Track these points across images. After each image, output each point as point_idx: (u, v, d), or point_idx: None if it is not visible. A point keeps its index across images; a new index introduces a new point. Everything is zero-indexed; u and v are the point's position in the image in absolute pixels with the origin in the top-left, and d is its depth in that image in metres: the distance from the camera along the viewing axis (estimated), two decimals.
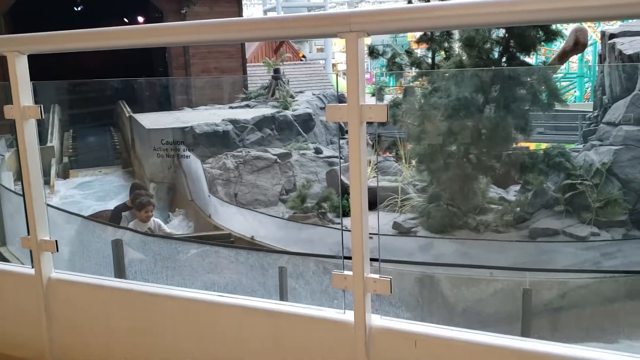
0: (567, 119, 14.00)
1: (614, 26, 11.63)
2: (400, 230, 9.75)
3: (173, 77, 18.86)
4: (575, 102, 24.45)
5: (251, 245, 8.76)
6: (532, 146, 11.79)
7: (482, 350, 1.55)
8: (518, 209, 9.59)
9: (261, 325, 1.83)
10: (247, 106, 16.22)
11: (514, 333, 5.60)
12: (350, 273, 1.64)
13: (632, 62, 9.57)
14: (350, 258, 1.66)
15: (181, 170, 12.48)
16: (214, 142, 13.09)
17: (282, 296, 5.52)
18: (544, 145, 12.28)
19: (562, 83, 28.08)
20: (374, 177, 11.87)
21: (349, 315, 1.67)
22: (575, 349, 1.47)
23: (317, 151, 13.12)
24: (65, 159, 15.24)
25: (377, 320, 1.67)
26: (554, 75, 28.60)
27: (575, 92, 27.43)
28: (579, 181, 8.80)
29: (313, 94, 16.77)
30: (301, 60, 27.57)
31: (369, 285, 1.63)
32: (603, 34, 11.26)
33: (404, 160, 11.74)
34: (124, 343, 2.05)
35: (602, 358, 1.45)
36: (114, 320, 2.06)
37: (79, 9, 21.94)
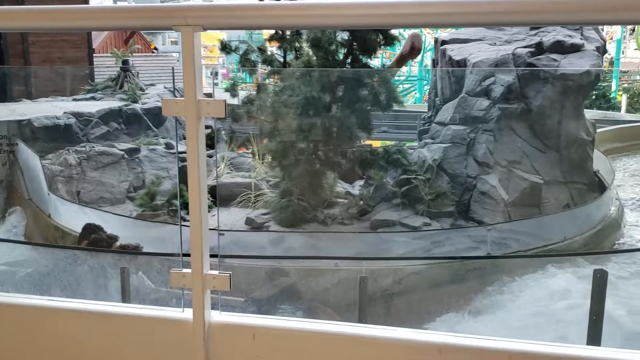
0: (407, 118, 15.08)
1: (446, 33, 12.75)
2: (253, 226, 9.88)
3: (9, 66, 17.28)
4: (415, 103, 26.31)
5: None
6: (377, 144, 12.57)
7: (320, 338, 1.62)
8: (361, 202, 10.17)
9: (97, 329, 1.77)
10: (93, 99, 15.38)
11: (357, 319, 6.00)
12: (189, 270, 1.62)
13: (460, 67, 10.58)
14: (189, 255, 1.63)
15: (17, 167, 11.56)
16: (54, 136, 12.25)
17: (125, 298, 5.40)
18: (389, 143, 13.14)
19: (405, 85, 30.05)
20: (227, 173, 11.90)
21: (188, 313, 1.66)
22: (400, 331, 1.59)
23: (168, 146, 12.82)
24: None
25: (216, 316, 1.67)
26: (397, 78, 30.56)
27: (415, 94, 29.50)
28: (414, 176, 9.56)
29: (165, 88, 16.32)
30: (153, 52, 26.61)
31: (208, 282, 1.62)
32: (436, 40, 12.30)
33: (257, 157, 11.87)
34: None
35: (427, 339, 1.58)
36: None
37: None
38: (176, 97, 1.61)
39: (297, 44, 11.37)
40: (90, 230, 7.87)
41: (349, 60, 10.34)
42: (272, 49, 12.97)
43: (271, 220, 9.97)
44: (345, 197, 10.63)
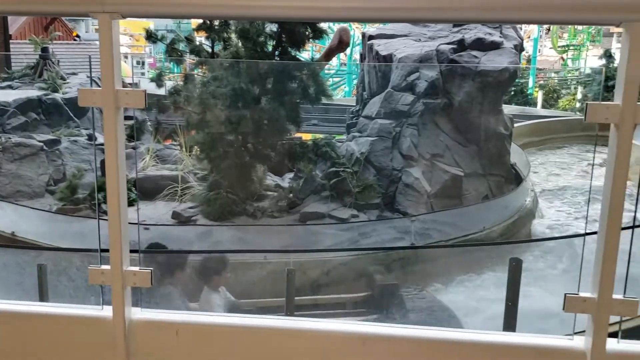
0: (337, 112, 15.25)
1: (373, 28, 12.98)
2: (180, 220, 9.72)
3: None
4: (345, 97, 26.63)
5: (11, 242, 7.99)
6: (308, 137, 12.66)
7: (244, 332, 1.63)
8: (291, 195, 10.23)
9: (12, 329, 1.70)
10: (10, 87, 14.55)
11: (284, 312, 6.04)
12: (108, 267, 1.58)
13: (387, 62, 10.82)
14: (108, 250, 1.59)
15: None
16: None
17: (42, 296, 5.18)
18: (319, 136, 13.25)
19: (335, 79, 30.34)
20: (153, 165, 11.61)
21: (107, 311, 1.62)
22: (324, 323, 1.62)
23: (91, 138, 12.34)
24: None
25: (137, 313, 1.64)
26: (327, 72, 30.78)
27: (345, 87, 29.86)
28: (342, 169, 9.72)
29: (87, 77, 15.67)
30: (75, 40, 25.46)
31: (129, 279, 1.58)
32: (364, 35, 12.50)
33: (184, 149, 11.65)
34: None
35: (351, 330, 1.62)
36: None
37: None
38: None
39: (225, 35, 11.23)
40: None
41: (277, 53, 10.33)
42: (201, 39, 12.74)
43: (199, 214, 9.84)
44: (275, 189, 10.65)
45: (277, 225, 9.45)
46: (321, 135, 12.11)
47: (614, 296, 1.39)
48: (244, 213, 9.91)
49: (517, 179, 11.00)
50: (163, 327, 1.65)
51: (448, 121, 10.37)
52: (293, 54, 10.25)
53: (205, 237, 9.30)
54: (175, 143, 12.44)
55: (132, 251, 1.64)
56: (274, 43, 10.31)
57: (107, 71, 1.49)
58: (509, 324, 5.07)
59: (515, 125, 12.54)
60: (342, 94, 28.51)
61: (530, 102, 28.05)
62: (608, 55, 23.39)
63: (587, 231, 8.42)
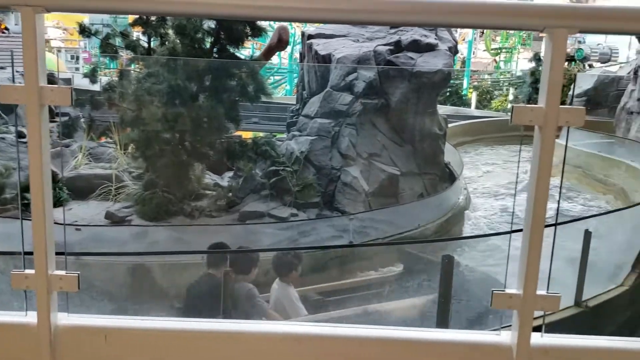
0: (278, 110, 15.25)
1: (313, 27, 13.03)
2: (114, 220, 9.43)
3: None
4: (286, 95, 26.65)
5: None
6: (249, 135, 12.59)
7: (175, 337, 1.60)
8: (230, 194, 10.14)
9: None
10: None
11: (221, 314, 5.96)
12: (33, 271, 1.51)
13: (326, 62, 10.89)
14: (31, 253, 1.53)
15: None
16: None
17: None
18: (260, 135, 13.18)
19: (276, 77, 30.31)
20: (86, 164, 11.22)
21: (32, 317, 1.55)
22: (259, 324, 1.64)
23: (21, 135, 11.79)
24: None
25: (64, 318, 1.59)
26: (269, 70, 30.67)
27: (286, 86, 29.89)
28: (282, 168, 9.72)
29: (17, 72, 14.95)
30: (3, 32, 24.22)
31: (54, 283, 1.52)
32: (303, 34, 12.54)
33: (119, 147, 11.32)
34: None
35: (286, 330, 1.61)
36: None
37: None
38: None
39: (162, 30, 10.99)
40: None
41: (216, 50, 10.20)
42: (138, 34, 12.42)
43: (133, 214, 9.59)
44: (214, 188, 10.52)
45: (217, 225, 9.32)
46: (262, 134, 12.07)
47: (538, 292, 1.43)
48: (181, 213, 9.73)
49: (451, 178, 11.33)
50: (91, 332, 1.60)
51: (385, 121, 10.56)
52: (232, 52, 10.14)
53: (140, 237, 9.06)
54: (109, 141, 12.08)
55: (58, 253, 1.58)
56: (212, 40, 10.17)
57: (30, 67, 1.43)
58: (442, 320, 5.21)
59: (450, 125, 12.92)
60: (284, 92, 28.51)
61: (464, 102, 28.91)
62: (537, 58, 24.45)
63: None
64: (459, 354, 1.56)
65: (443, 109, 14.28)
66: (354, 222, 9.06)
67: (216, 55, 10.05)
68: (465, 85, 30.79)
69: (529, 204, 1.41)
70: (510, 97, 27.89)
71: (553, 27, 1.33)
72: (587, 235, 5.96)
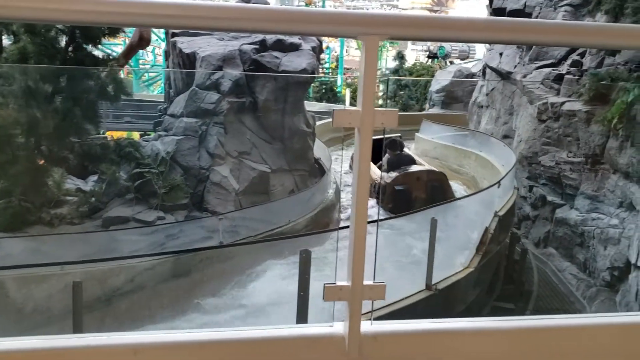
0: (151, 108, 14.72)
1: None
2: None
3: None
4: (161, 92, 25.88)
5: None
6: (122, 134, 12.09)
7: (19, 357, 1.49)
8: (93, 199, 9.69)
9: None
10: None
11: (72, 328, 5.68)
12: None
13: (190, 60, 10.73)
14: None
15: None
16: None
17: None
18: (135, 135, 12.69)
19: (151, 74, 29.38)
20: None
21: None
22: (91, 337, 1.51)
23: None
24: None
25: None
26: (142, 67, 29.52)
27: (161, 83, 29.06)
28: (147, 169, 9.45)
29: None
30: None
31: None
32: (167, 31, 12.24)
33: None
34: None
35: (121, 342, 1.52)
36: None
37: None
38: None
39: (13, 28, 10.25)
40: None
41: (71, 49, 9.68)
42: None
43: None
44: (76, 194, 10.00)
45: (78, 233, 8.89)
46: (138, 134, 11.67)
47: (365, 282, 1.50)
48: (39, 222, 9.17)
49: (321, 172, 11.64)
50: None
51: (254, 119, 10.62)
52: (88, 50, 9.67)
53: None
54: None
55: None
56: (67, 39, 9.64)
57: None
58: (302, 314, 5.35)
59: (324, 122, 13.27)
60: (159, 90, 27.67)
61: (339, 99, 29.78)
62: (400, 56, 25.81)
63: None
64: (295, 348, 1.59)
65: (318, 106, 14.59)
66: (224, 221, 9.02)
67: (72, 55, 9.54)
68: (339, 82, 31.71)
69: (353, 201, 1.47)
70: (381, 94, 29.13)
71: (365, 34, 1.40)
72: (434, 222, 6.41)
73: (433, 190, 11.60)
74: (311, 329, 1.62)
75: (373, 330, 1.57)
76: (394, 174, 11.93)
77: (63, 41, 9.73)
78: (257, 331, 1.59)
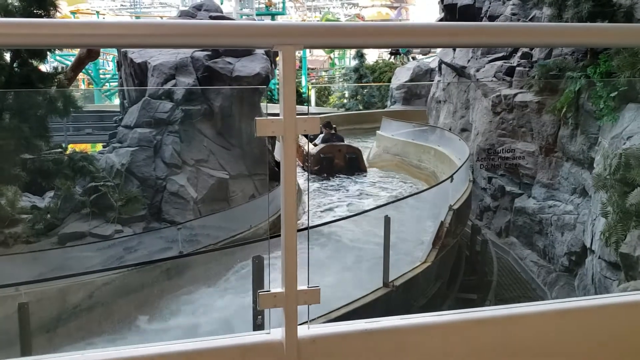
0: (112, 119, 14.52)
1: None
2: None
3: None
4: None
5: None
6: (86, 147, 11.90)
7: None
8: (49, 216, 9.51)
9: None
10: None
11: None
12: None
13: (142, 70, 10.60)
14: None
15: None
16: None
17: None
18: (99, 147, 12.47)
19: (112, 84, 28.99)
20: None
21: None
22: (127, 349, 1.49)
23: None
24: None
25: None
26: (103, 77, 29.09)
27: None
28: (102, 183, 9.31)
29: None
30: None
31: None
32: None
33: None
34: None
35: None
36: None
37: None
38: None
39: None
40: None
41: (17, 64, 9.47)
42: None
43: None
44: (31, 211, 9.80)
45: (33, 252, 8.71)
46: (100, 145, 11.50)
47: (300, 287, 1.51)
48: None
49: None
50: None
51: (210, 126, 10.55)
52: (35, 65, 9.47)
53: None
54: None
55: None
56: (12, 54, 9.43)
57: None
58: (257, 321, 5.32)
59: None
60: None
61: (304, 100, 29.80)
62: (360, 55, 25.95)
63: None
64: (231, 358, 1.57)
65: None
66: (183, 231, 8.95)
67: (17, 70, 9.33)
68: (304, 83, 31.70)
69: (282, 209, 1.48)
70: (346, 94, 29.23)
71: (280, 44, 1.41)
72: (387, 220, 6.46)
73: (350, 161, 15.29)
74: (248, 337, 1.61)
75: (310, 334, 1.58)
76: (321, 145, 15.29)
77: (8, 56, 9.51)
78: (191, 343, 1.57)
